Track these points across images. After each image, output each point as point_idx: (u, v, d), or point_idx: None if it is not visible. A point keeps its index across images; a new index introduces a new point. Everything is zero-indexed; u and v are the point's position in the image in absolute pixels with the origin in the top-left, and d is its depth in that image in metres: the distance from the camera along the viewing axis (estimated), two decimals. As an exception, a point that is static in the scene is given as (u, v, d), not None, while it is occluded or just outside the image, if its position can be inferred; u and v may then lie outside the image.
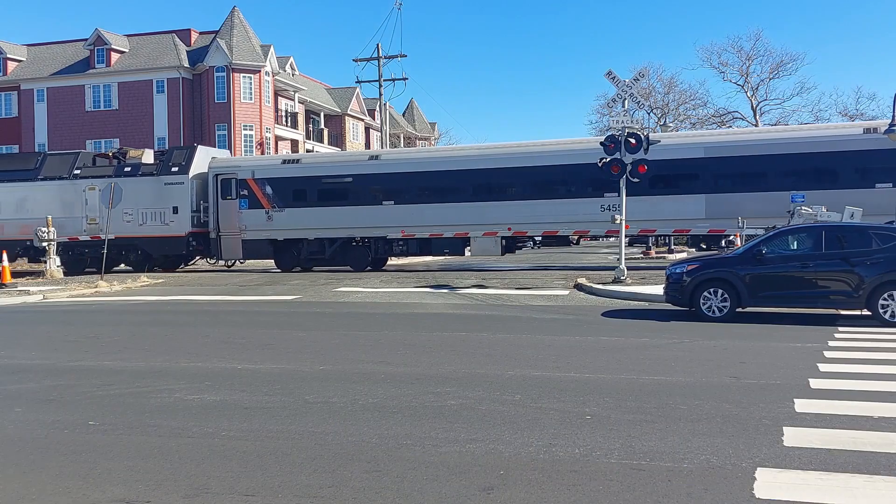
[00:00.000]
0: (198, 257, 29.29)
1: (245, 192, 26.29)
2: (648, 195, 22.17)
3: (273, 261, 27.06)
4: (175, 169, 26.71)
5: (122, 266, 28.59)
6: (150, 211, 26.74)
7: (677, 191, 22.64)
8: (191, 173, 26.62)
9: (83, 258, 27.69)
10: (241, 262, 28.67)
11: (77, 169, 27.96)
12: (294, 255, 26.22)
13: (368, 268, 25.79)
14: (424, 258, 30.21)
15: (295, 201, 25.95)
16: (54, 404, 7.47)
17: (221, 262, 28.27)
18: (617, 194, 19.39)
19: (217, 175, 26.71)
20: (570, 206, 23.47)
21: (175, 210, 26.52)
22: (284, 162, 27.01)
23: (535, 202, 23.77)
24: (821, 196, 19.68)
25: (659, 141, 19.99)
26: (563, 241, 25.73)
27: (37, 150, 45.14)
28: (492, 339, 11.36)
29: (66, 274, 25.88)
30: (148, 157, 28.56)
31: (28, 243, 27.24)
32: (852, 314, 13.23)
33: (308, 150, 49.66)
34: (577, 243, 22.65)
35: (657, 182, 22.20)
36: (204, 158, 27.25)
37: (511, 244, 25.41)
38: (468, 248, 24.90)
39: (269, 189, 26.15)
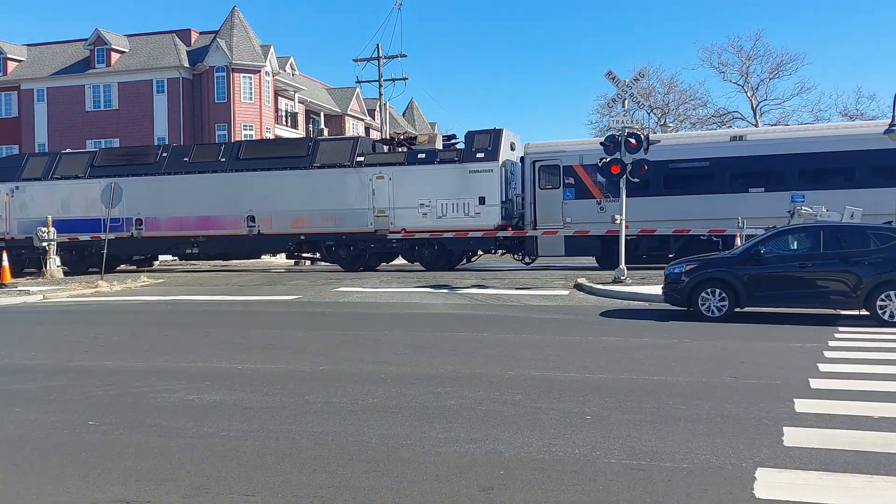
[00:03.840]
0: (480, 253, 26.41)
1: (571, 181, 23.29)
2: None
3: (595, 258, 24.07)
4: (480, 155, 23.89)
5: (400, 260, 26.36)
6: (451, 202, 23.96)
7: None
8: (500, 159, 23.85)
9: (363, 255, 25.21)
10: (533, 259, 25.27)
11: (360, 156, 25.13)
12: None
13: None
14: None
15: (633, 190, 22.24)
16: (54, 404, 7.47)
17: (522, 259, 25.47)
18: None
19: (535, 161, 23.80)
20: None
21: (482, 201, 23.67)
22: None
23: None
24: None
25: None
26: None
27: (37, 150, 45.08)
28: (492, 339, 11.36)
29: (346, 270, 24.55)
30: (437, 142, 26.15)
31: (302, 238, 25.30)
32: (852, 314, 13.23)
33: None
34: None
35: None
36: (506, 143, 24.59)
37: None
38: None
39: (600, 177, 22.72)
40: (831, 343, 10.42)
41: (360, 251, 25.08)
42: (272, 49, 47.01)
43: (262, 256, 31.86)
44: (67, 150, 30.88)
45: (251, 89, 45.61)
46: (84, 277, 24.28)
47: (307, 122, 53.47)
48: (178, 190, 26.27)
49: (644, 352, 9.92)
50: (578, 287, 18.37)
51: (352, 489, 4.89)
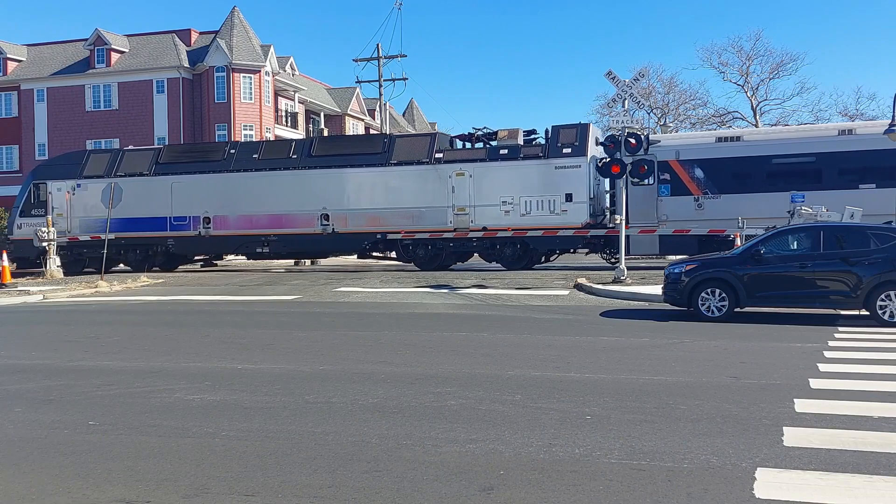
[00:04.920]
0: (558, 252, 25.54)
1: (666, 176, 22.38)
2: None
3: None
4: (567, 151, 23.10)
5: (476, 259, 25.65)
6: (536, 199, 23.21)
7: None
8: (588, 154, 22.96)
9: (440, 254, 24.44)
10: (615, 258, 24.29)
11: (438, 153, 24.41)
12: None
13: None
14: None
15: (735, 186, 21.92)
16: (54, 404, 7.47)
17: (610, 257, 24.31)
18: None
19: None
20: None
21: (568, 198, 22.91)
22: (720, 140, 23.06)
23: None
24: None
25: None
26: None
27: (37, 150, 45.07)
28: (492, 339, 11.36)
29: (422, 269, 23.85)
30: (518, 138, 25.08)
31: (379, 237, 24.49)
32: (852, 314, 13.23)
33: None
34: None
35: None
36: (592, 138, 23.68)
37: None
38: None
39: (698, 172, 22.22)
40: (831, 343, 10.42)
41: (438, 250, 24.44)
42: (272, 49, 47.02)
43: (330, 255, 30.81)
44: (130, 147, 30.00)
45: (251, 89, 45.62)
46: (84, 277, 24.28)
47: (307, 122, 53.47)
48: (249, 187, 25.57)
49: (644, 352, 9.92)
50: (578, 287, 18.38)
51: (352, 489, 4.89)
